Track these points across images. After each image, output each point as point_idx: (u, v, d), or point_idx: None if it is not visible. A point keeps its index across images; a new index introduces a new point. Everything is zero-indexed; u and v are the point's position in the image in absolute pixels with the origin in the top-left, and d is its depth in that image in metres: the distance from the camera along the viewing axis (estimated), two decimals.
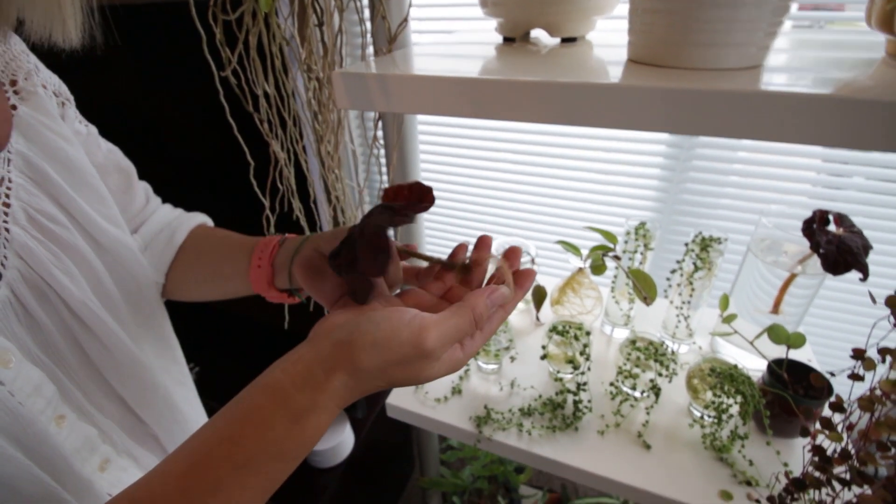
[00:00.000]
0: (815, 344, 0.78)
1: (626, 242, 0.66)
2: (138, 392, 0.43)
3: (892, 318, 0.34)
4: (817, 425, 0.41)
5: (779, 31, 0.33)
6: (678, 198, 0.80)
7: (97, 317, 0.39)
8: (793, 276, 0.58)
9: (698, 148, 0.75)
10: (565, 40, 0.50)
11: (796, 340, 0.55)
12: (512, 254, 0.35)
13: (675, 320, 0.67)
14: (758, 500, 0.50)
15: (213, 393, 0.55)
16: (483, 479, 1.04)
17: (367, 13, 0.53)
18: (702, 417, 0.60)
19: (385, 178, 0.63)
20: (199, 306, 0.52)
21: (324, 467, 0.97)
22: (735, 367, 0.57)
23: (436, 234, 1.06)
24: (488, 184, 0.93)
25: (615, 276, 0.71)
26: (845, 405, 0.38)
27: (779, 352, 0.58)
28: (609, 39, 0.49)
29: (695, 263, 0.62)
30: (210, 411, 0.49)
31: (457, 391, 0.67)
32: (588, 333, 0.64)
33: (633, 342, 0.62)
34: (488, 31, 0.56)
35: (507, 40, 0.52)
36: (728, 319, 0.60)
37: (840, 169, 0.69)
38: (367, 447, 1.06)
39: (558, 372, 0.66)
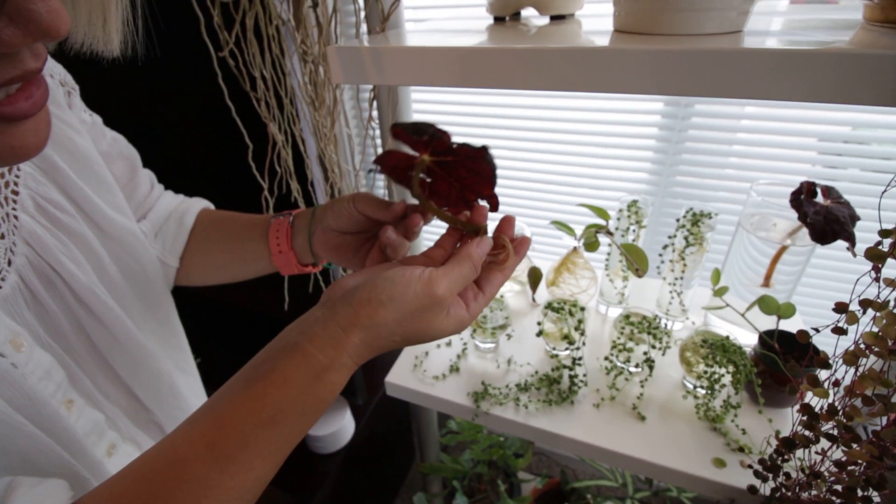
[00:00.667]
0: (806, 315, 0.80)
1: (618, 220, 0.67)
2: (143, 379, 0.44)
3: (873, 273, 0.35)
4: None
5: None
6: (671, 179, 0.81)
7: (103, 303, 0.39)
8: (783, 249, 0.59)
9: (691, 129, 0.76)
10: (554, 18, 0.51)
11: (786, 311, 0.56)
12: (506, 223, 0.37)
13: (669, 297, 0.68)
14: (750, 466, 0.51)
15: (214, 383, 0.55)
16: (483, 465, 1.05)
17: None
18: (695, 389, 0.61)
19: None
20: (201, 299, 0.52)
21: (324, 453, 0.98)
22: (727, 338, 0.58)
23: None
24: None
25: (608, 254, 0.72)
26: (830, 361, 0.39)
27: (770, 324, 0.59)
28: (598, 17, 0.50)
29: (686, 239, 0.63)
30: None
31: (455, 369, 0.68)
32: (582, 309, 0.65)
33: (627, 317, 0.63)
34: (480, 15, 0.57)
35: (498, 20, 0.53)
36: (719, 292, 0.61)
37: (839, 148, 0.70)
38: (368, 434, 1.07)
39: (554, 349, 0.67)
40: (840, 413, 0.39)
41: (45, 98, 0.23)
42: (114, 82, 0.89)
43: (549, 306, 0.66)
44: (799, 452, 0.44)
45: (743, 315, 0.60)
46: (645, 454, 0.55)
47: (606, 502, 0.99)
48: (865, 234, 0.51)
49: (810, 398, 0.42)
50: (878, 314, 0.35)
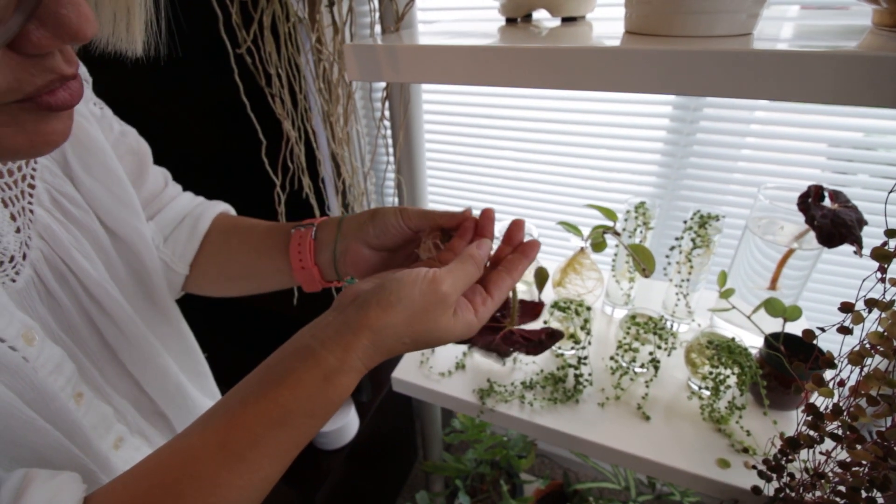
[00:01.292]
0: (812, 319, 0.80)
1: (626, 221, 0.68)
2: (151, 375, 0.44)
3: (879, 273, 0.36)
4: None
5: None
6: (679, 183, 0.81)
7: (113, 299, 0.39)
8: (790, 252, 0.59)
9: (700, 133, 0.76)
10: (566, 20, 0.52)
11: (792, 313, 0.56)
12: (515, 226, 0.38)
13: (675, 299, 0.68)
14: (754, 466, 0.51)
15: (222, 379, 0.56)
16: (486, 465, 1.05)
17: None
18: (700, 390, 0.61)
19: (392, 157, 0.65)
20: (204, 298, 0.51)
21: (329, 449, 0.99)
22: (732, 339, 0.59)
23: None
24: (492, 164, 0.95)
25: (615, 255, 0.73)
26: (836, 361, 0.39)
27: (776, 327, 0.59)
28: (610, 20, 0.51)
29: (693, 241, 0.64)
30: None
31: (460, 366, 0.68)
32: (588, 309, 0.65)
33: (633, 317, 0.64)
34: (492, 17, 0.58)
35: (510, 21, 0.54)
36: (725, 294, 0.62)
37: (848, 154, 0.70)
38: (372, 431, 1.07)
39: (559, 348, 0.68)
40: (845, 413, 0.39)
41: (82, 90, 0.24)
42: (125, 78, 0.91)
43: (555, 305, 0.67)
44: (803, 453, 0.45)
45: (749, 317, 0.60)
46: (649, 453, 0.55)
47: None
48: (873, 240, 0.51)
49: (816, 399, 0.42)
50: (883, 314, 0.35)
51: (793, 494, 0.46)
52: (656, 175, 0.83)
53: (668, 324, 0.63)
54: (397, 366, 0.69)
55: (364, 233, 0.39)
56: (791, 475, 0.46)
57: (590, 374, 0.63)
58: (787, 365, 0.50)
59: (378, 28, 0.56)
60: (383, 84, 0.63)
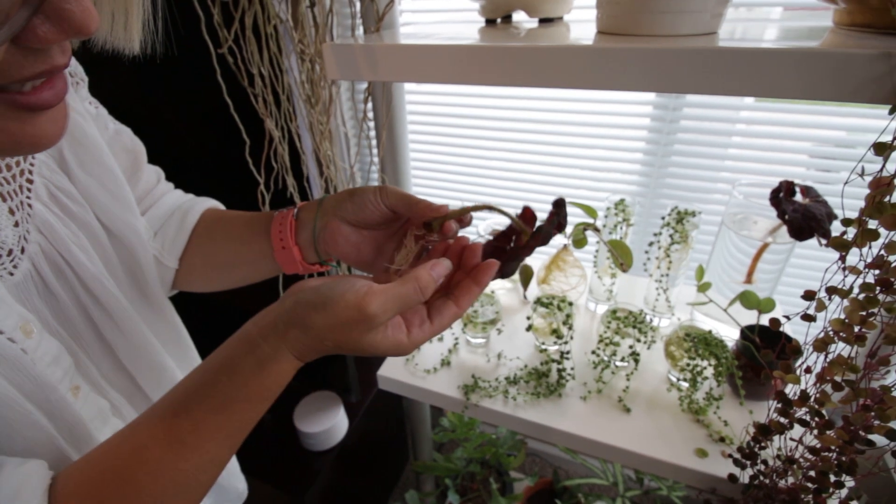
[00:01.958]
0: (787, 312, 0.81)
1: (606, 217, 0.69)
2: (145, 370, 0.44)
3: (839, 263, 0.37)
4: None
5: None
6: (661, 181, 0.83)
7: (109, 293, 0.40)
8: (764, 246, 0.61)
9: (680, 133, 0.78)
10: (543, 21, 0.53)
11: (766, 305, 0.58)
12: (470, 251, 0.35)
13: (655, 294, 0.70)
14: (730, 455, 0.53)
15: None
16: (475, 463, 1.06)
17: None
18: (678, 382, 0.62)
19: (375, 157, 0.66)
20: (200, 297, 0.51)
21: (317, 450, 0.99)
22: (709, 332, 0.60)
23: None
24: (476, 162, 0.96)
25: (597, 251, 0.74)
26: (802, 348, 0.40)
27: (752, 319, 0.60)
28: (588, 22, 0.52)
29: (671, 236, 0.65)
30: None
31: (446, 363, 0.69)
32: (571, 304, 0.66)
33: (614, 312, 0.65)
34: (474, 19, 0.59)
35: (489, 23, 0.55)
36: (703, 288, 0.63)
37: (830, 152, 0.72)
38: (361, 432, 1.07)
39: (543, 344, 0.69)
40: (812, 399, 0.40)
41: (66, 89, 0.25)
42: (113, 78, 0.91)
43: (538, 301, 0.68)
44: (776, 441, 0.46)
45: (725, 310, 0.62)
46: (630, 445, 0.56)
47: (598, 501, 1.00)
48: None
49: (786, 387, 0.44)
50: (845, 301, 0.37)
51: (766, 481, 0.48)
52: (639, 174, 0.85)
53: (649, 318, 0.64)
54: (383, 364, 0.70)
55: (342, 209, 0.39)
56: (765, 462, 0.48)
57: (572, 369, 0.64)
58: (757, 354, 0.51)
59: (360, 30, 0.57)
60: (366, 84, 0.64)
